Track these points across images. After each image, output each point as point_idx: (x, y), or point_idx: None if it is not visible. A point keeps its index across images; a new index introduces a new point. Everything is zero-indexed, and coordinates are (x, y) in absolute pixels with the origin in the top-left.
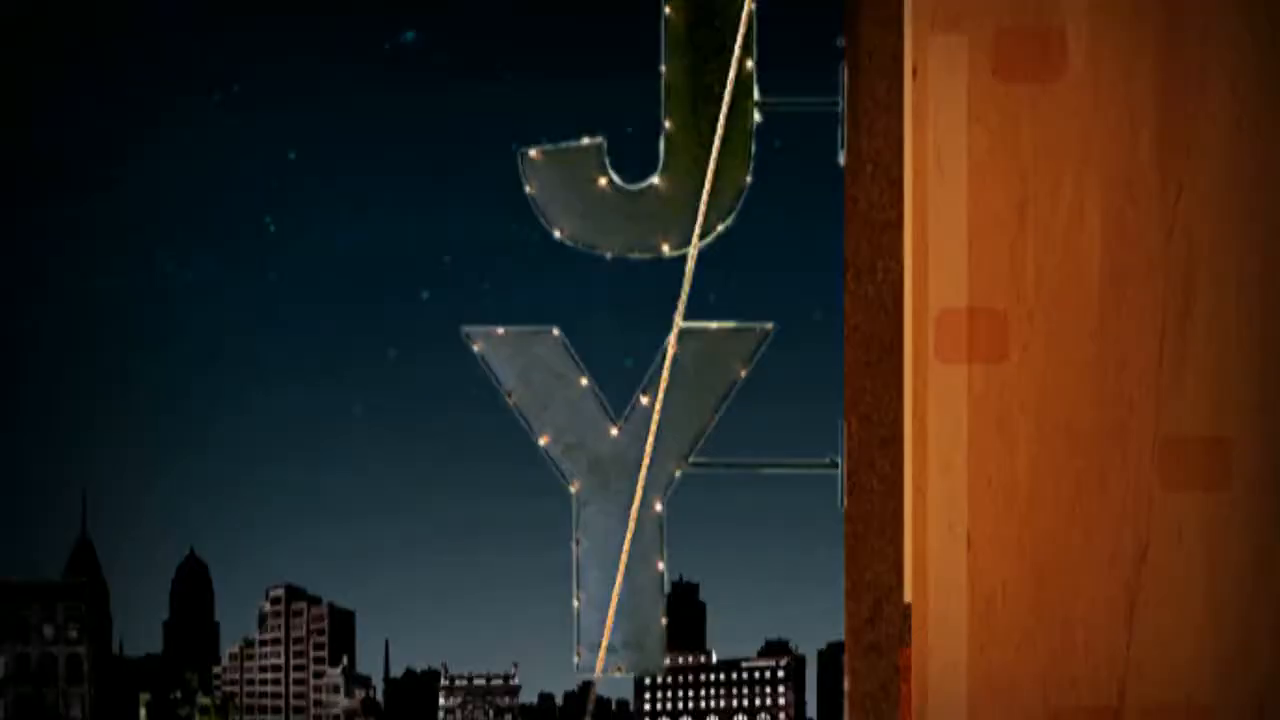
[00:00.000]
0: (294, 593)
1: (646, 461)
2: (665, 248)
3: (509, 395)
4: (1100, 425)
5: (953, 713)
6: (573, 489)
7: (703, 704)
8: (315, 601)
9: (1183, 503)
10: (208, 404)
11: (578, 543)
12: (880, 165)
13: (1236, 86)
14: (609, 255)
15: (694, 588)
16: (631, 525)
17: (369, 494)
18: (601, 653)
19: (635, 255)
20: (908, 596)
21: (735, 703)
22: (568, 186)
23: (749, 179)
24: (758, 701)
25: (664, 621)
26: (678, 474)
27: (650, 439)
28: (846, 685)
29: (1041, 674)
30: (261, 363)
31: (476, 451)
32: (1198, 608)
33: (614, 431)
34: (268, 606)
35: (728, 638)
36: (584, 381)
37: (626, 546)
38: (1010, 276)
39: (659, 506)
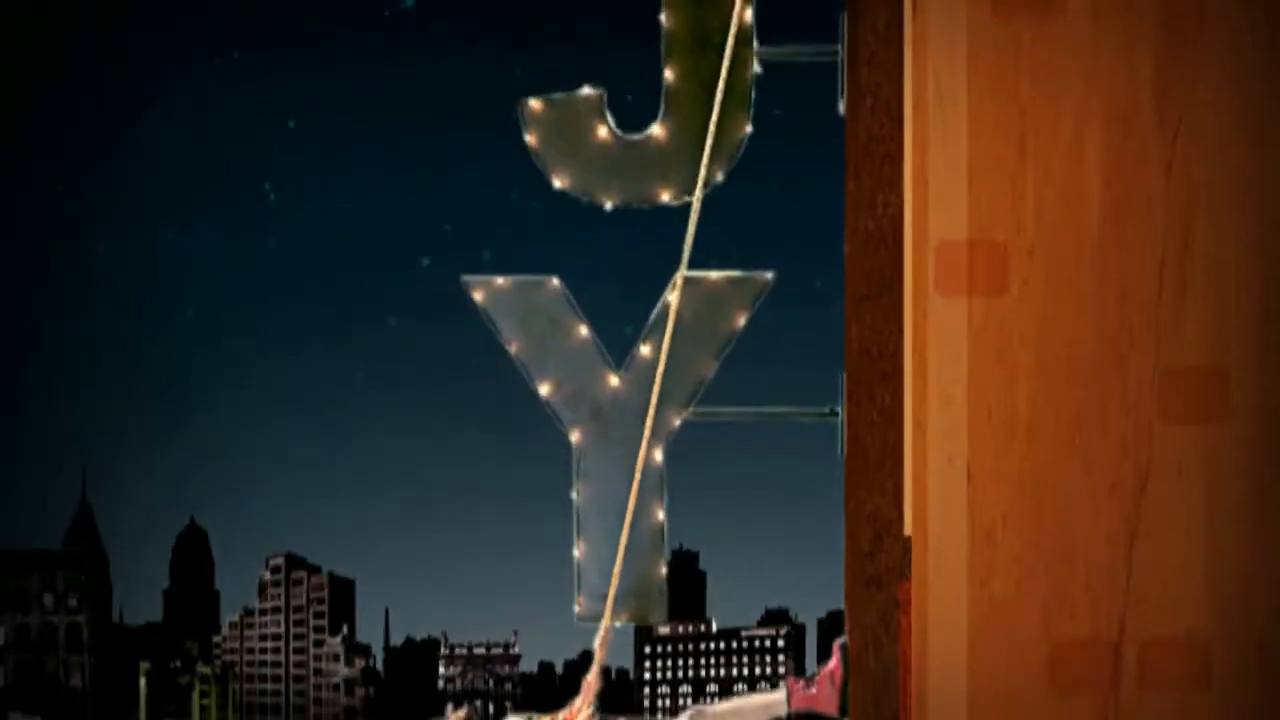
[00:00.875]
0: (294, 561)
1: (653, 410)
2: (665, 197)
3: (509, 345)
4: (1100, 358)
5: (953, 646)
6: (573, 438)
7: (702, 672)
8: (315, 570)
9: (1183, 435)
10: (208, 372)
11: (578, 493)
12: (880, 98)
13: (1236, 23)
14: (609, 205)
15: (694, 556)
16: (638, 473)
17: (369, 462)
18: (609, 602)
19: (635, 205)
20: (908, 529)
21: (735, 671)
22: (567, 136)
23: (749, 129)
24: (757, 670)
25: (665, 571)
26: (678, 423)
27: (656, 388)
28: (846, 619)
29: (1042, 606)
30: (261, 331)
31: (477, 419)
32: (1198, 540)
33: (614, 380)
34: (268, 575)
35: (728, 606)
36: (584, 330)
37: (634, 494)
38: (1010, 209)
39: (659, 456)
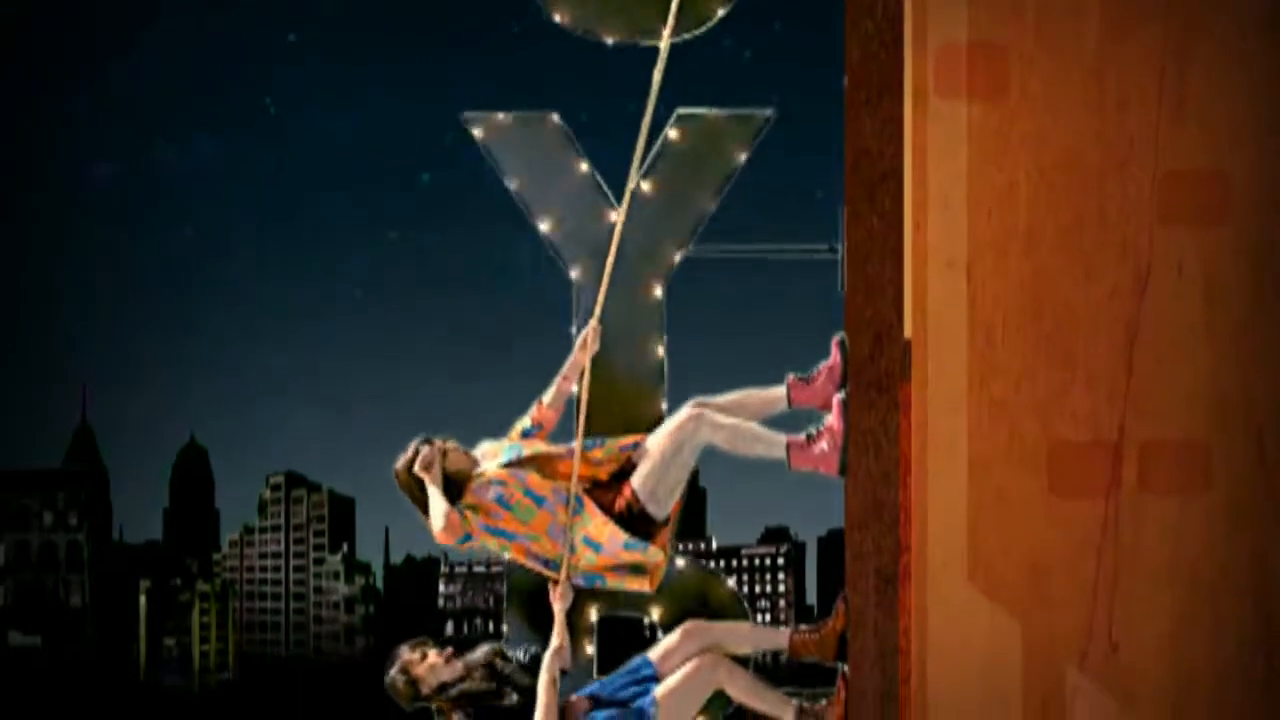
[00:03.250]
0: (294, 479)
1: (616, 240)
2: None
3: (509, 181)
4: (1100, 163)
5: (952, 447)
6: (572, 275)
7: None
8: (315, 488)
9: (1182, 236)
10: (207, 288)
11: (576, 329)
12: None
13: None
14: (610, 41)
15: (694, 474)
16: (597, 312)
17: (369, 379)
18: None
19: (637, 42)
20: (908, 332)
21: (735, 589)
22: None
23: None
24: (758, 588)
25: (665, 406)
26: (678, 258)
27: (624, 205)
28: (849, 422)
29: (1041, 407)
30: (261, 247)
31: (479, 336)
32: (1198, 341)
33: (613, 216)
34: (268, 493)
35: (728, 525)
36: (584, 166)
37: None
38: (1011, 13)
39: (659, 292)
